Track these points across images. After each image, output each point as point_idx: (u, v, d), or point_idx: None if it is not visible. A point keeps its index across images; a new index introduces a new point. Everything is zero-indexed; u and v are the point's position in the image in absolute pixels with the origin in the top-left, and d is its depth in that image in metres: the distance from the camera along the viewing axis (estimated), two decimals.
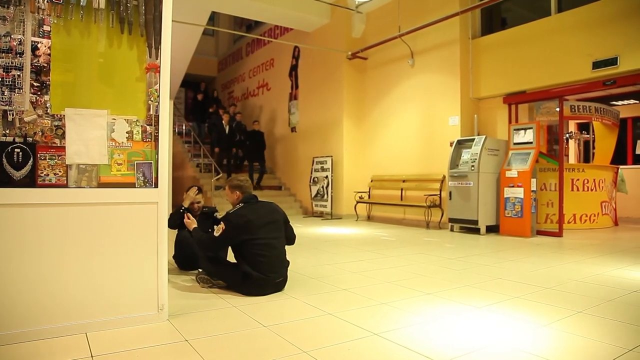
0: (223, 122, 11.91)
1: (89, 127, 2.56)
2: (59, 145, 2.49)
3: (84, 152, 2.55)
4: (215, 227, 3.58)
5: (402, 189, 9.35)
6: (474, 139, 7.59)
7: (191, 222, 3.79)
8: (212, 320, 2.85)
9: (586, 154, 10.66)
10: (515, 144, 7.34)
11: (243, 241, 3.41)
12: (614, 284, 3.81)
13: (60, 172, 2.49)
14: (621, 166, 9.20)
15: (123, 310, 2.65)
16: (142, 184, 2.71)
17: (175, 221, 4.19)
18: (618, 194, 8.88)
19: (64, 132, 2.50)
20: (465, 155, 7.63)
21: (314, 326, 2.75)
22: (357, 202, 10.06)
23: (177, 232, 4.36)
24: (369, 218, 10.18)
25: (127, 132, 2.67)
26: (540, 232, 7.18)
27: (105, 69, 2.64)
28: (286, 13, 10.45)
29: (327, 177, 10.46)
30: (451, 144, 8.00)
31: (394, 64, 9.71)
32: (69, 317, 2.50)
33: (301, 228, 8.39)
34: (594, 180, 8.09)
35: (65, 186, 2.50)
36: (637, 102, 9.99)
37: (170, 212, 4.16)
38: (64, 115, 2.50)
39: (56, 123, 2.49)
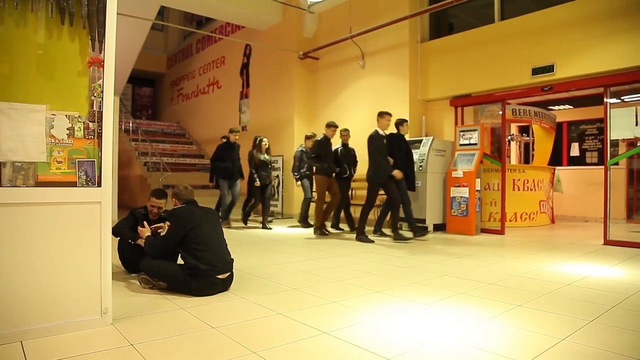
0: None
1: (25, 122, 2.42)
2: None
3: (20, 149, 2.41)
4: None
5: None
6: (422, 140, 7.79)
7: (145, 230, 3.86)
8: (159, 322, 2.77)
9: (526, 156, 11.18)
10: (461, 145, 7.61)
11: (187, 233, 3.45)
12: (550, 278, 4.03)
13: None
14: (557, 167, 9.73)
15: (64, 316, 2.52)
16: (84, 183, 2.59)
17: (120, 235, 4.16)
18: (555, 194, 9.41)
19: None
20: (414, 155, 7.80)
21: (263, 326, 2.73)
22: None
23: (118, 239, 4.21)
24: None
25: (67, 129, 2.54)
26: (484, 230, 7.48)
27: (44, 62, 2.50)
28: (237, 10, 10.32)
29: (278, 176, 10.42)
30: None
31: (345, 64, 9.81)
32: (2, 325, 2.34)
33: (251, 228, 8.31)
34: (534, 180, 8.52)
35: None
36: (572, 107, 10.61)
37: (118, 213, 4.01)
38: None
39: None
